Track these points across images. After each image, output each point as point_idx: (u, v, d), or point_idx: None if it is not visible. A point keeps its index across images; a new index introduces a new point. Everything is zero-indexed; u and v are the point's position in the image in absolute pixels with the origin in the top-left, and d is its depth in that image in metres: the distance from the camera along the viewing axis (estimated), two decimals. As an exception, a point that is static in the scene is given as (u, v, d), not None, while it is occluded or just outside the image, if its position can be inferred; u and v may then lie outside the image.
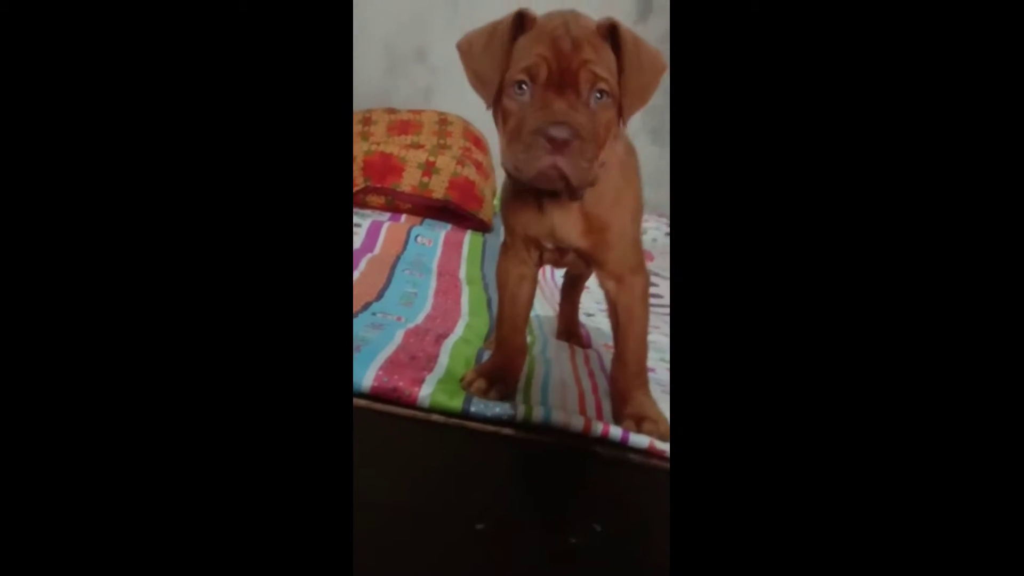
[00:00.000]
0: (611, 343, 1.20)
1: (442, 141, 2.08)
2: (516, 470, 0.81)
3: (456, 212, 1.86)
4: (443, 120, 2.18)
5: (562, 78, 0.68)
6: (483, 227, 1.88)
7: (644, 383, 0.88)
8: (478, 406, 0.80)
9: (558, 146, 0.66)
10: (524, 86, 0.70)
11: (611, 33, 0.71)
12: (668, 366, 1.13)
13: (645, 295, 0.88)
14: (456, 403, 0.79)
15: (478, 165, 1.98)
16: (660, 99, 0.84)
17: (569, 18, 0.72)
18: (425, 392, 0.79)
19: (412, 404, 0.79)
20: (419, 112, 2.22)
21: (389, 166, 1.87)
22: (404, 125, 2.15)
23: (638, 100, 0.71)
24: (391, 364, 0.84)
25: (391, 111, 2.24)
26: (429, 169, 1.88)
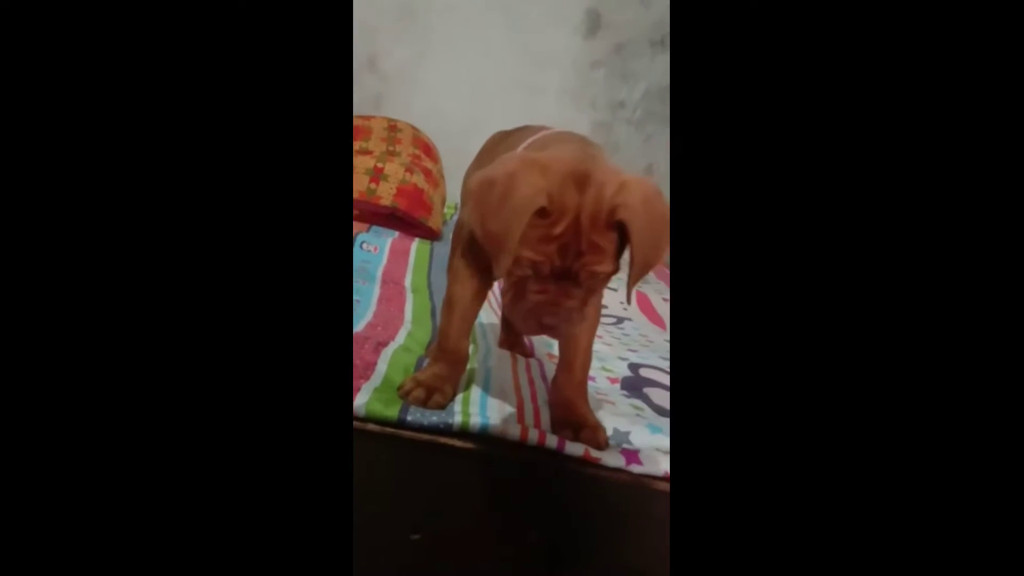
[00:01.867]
0: (554, 352, 1.21)
1: (391, 148, 2.07)
2: (452, 480, 0.81)
3: (404, 219, 1.84)
4: (392, 127, 2.16)
5: (564, 273, 0.72)
6: (431, 235, 1.87)
7: (585, 393, 0.89)
8: (414, 415, 0.79)
9: (549, 328, 0.74)
10: (529, 268, 0.72)
11: (619, 224, 0.70)
12: (608, 375, 1.14)
13: (599, 308, 0.90)
14: (392, 412, 0.78)
15: (427, 173, 1.97)
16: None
17: (583, 208, 0.69)
18: (360, 401, 0.78)
19: (347, 413, 0.78)
20: (368, 118, 2.20)
21: (336, 172, 1.84)
22: (353, 131, 2.13)
23: (643, 273, 0.73)
24: (327, 372, 0.83)
25: (340, 116, 2.21)
26: (377, 175, 1.87)
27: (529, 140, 0.85)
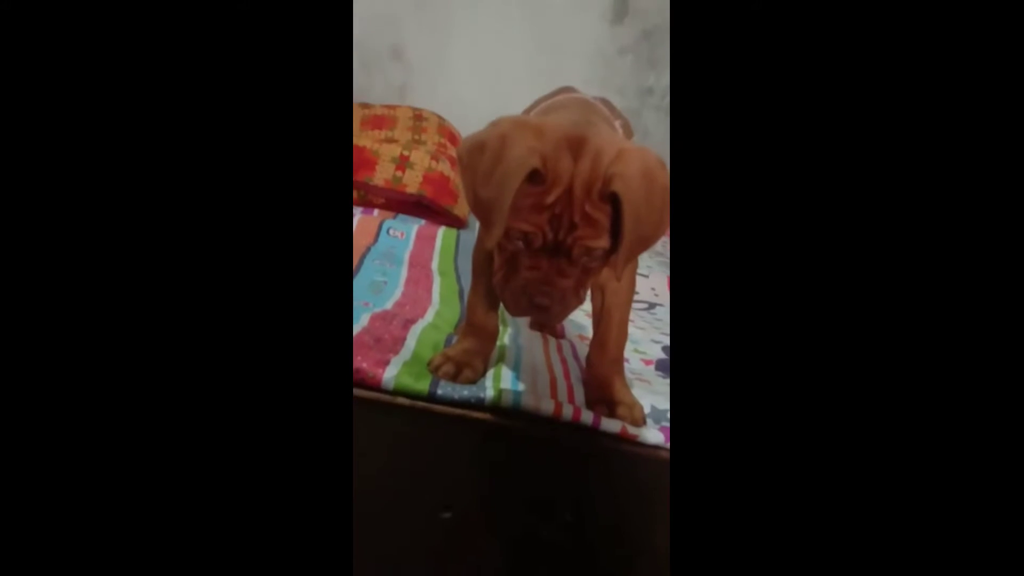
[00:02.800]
0: (585, 334, 1.18)
1: (416, 136, 2.06)
2: (484, 455, 0.78)
3: (430, 208, 1.83)
4: (418, 116, 2.15)
5: (556, 247, 0.68)
6: (457, 223, 1.85)
7: (620, 370, 0.86)
8: (445, 389, 0.77)
9: (540, 308, 0.70)
10: (519, 241, 0.69)
11: (613, 195, 0.65)
12: (641, 357, 1.11)
13: (632, 282, 0.87)
14: (422, 386, 0.76)
15: (453, 161, 1.95)
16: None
17: (577, 176, 0.65)
18: (390, 374, 0.76)
19: (376, 386, 0.76)
20: (393, 107, 2.19)
21: (362, 159, 1.83)
22: (378, 120, 2.12)
23: (637, 251, 0.69)
24: (355, 346, 0.81)
25: (365, 106, 2.21)
26: (403, 163, 1.85)
27: (540, 107, 0.82)
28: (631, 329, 1.23)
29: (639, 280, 1.66)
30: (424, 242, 1.57)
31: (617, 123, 0.81)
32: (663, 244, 2.15)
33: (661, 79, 2.40)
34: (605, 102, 0.86)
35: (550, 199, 0.65)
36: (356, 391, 0.76)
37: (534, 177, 0.65)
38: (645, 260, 1.86)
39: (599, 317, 0.85)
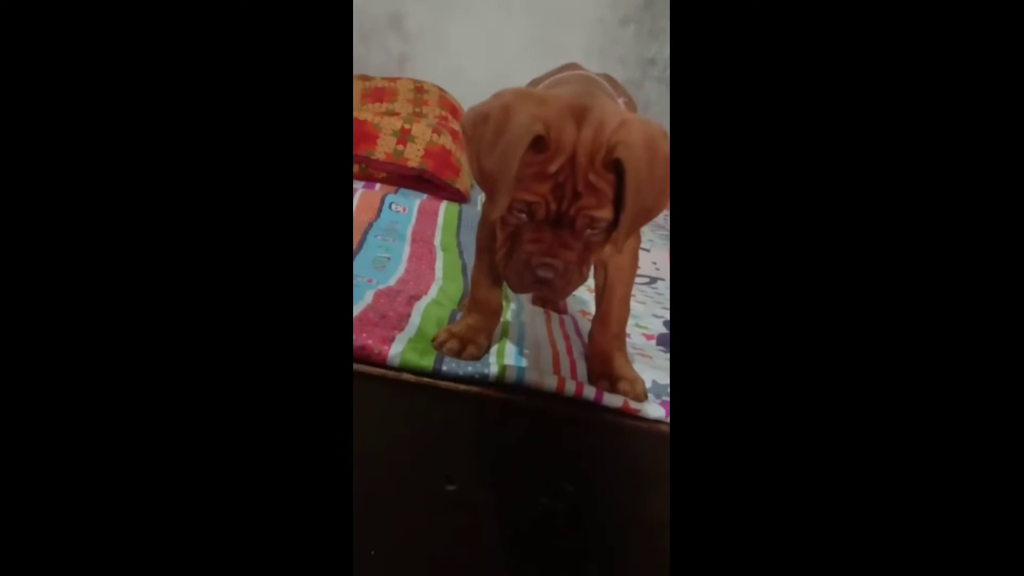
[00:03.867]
0: (587, 309, 1.19)
1: (417, 109, 2.04)
2: (488, 430, 0.80)
3: (432, 182, 1.82)
4: (418, 88, 2.13)
5: (559, 218, 0.68)
6: (459, 197, 1.85)
7: (622, 345, 0.87)
8: (450, 365, 0.78)
9: (544, 282, 0.70)
10: (522, 213, 0.69)
11: (617, 164, 0.66)
12: (643, 332, 1.12)
13: (635, 257, 0.87)
14: (427, 362, 0.77)
15: (454, 134, 1.94)
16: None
17: (580, 145, 0.65)
18: (395, 351, 0.77)
19: (381, 363, 0.77)
20: (394, 80, 2.17)
21: (363, 133, 1.82)
22: (379, 92, 2.10)
23: (639, 222, 0.69)
24: (360, 323, 0.82)
25: (365, 78, 2.19)
26: (404, 137, 1.84)
27: (544, 82, 0.81)
28: (632, 304, 1.24)
29: (640, 254, 1.67)
30: (426, 217, 1.57)
31: (621, 100, 0.81)
32: (664, 218, 2.14)
33: (663, 50, 2.37)
34: (609, 78, 0.86)
35: (553, 167, 0.66)
36: (362, 367, 0.77)
37: (537, 146, 0.65)
38: (647, 234, 1.86)
39: (602, 293, 0.86)
